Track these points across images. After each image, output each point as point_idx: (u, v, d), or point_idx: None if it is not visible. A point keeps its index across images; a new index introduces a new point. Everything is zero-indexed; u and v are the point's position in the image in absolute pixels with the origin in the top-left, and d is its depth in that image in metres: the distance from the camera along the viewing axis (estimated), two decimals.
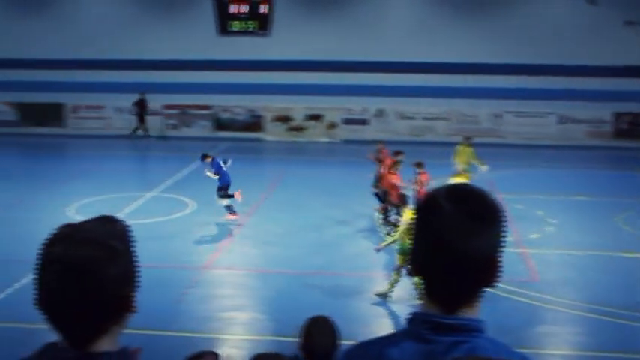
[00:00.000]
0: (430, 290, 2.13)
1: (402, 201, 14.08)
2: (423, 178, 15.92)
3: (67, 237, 1.97)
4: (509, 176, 20.96)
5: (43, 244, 2.00)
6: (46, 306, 1.97)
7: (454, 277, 2.06)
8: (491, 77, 30.61)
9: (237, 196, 17.90)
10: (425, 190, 14.82)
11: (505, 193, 19.43)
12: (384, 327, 11.60)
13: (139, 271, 2.10)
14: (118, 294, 1.98)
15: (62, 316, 1.96)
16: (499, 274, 2.12)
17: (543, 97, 30.53)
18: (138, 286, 2.07)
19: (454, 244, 2.03)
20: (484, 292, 2.14)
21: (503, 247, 2.13)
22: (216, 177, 17.68)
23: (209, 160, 18.07)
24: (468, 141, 20.34)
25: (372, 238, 16.85)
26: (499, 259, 2.12)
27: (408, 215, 12.50)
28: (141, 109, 31.60)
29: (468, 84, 30.78)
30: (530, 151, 29.08)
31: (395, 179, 16.14)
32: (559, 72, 30.27)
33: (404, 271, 12.23)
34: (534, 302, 12.96)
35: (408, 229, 10.68)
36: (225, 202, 17.78)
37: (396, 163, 16.50)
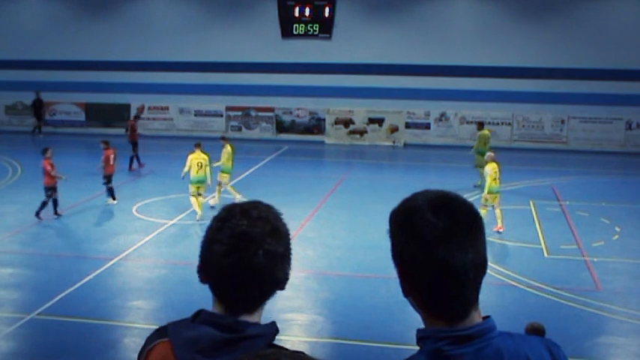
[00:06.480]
0: (431, 306, 2.05)
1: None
2: (108, 153, 18.96)
3: (244, 213, 2.14)
4: (574, 183, 20.53)
5: (218, 218, 2.17)
6: (215, 273, 2.13)
7: (460, 290, 2.00)
8: (557, 82, 30.10)
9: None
10: (112, 164, 19.02)
11: (570, 200, 19.12)
12: None
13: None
14: (281, 270, 2.18)
15: (231, 283, 2.13)
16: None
17: (610, 102, 29.86)
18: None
19: (451, 259, 1.97)
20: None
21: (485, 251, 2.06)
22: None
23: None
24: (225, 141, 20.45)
25: None
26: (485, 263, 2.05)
27: None
28: (37, 108, 33.01)
29: (532, 89, 30.33)
30: (595, 158, 28.47)
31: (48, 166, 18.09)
32: (626, 77, 29.59)
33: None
34: (597, 312, 12.69)
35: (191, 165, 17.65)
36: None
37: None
